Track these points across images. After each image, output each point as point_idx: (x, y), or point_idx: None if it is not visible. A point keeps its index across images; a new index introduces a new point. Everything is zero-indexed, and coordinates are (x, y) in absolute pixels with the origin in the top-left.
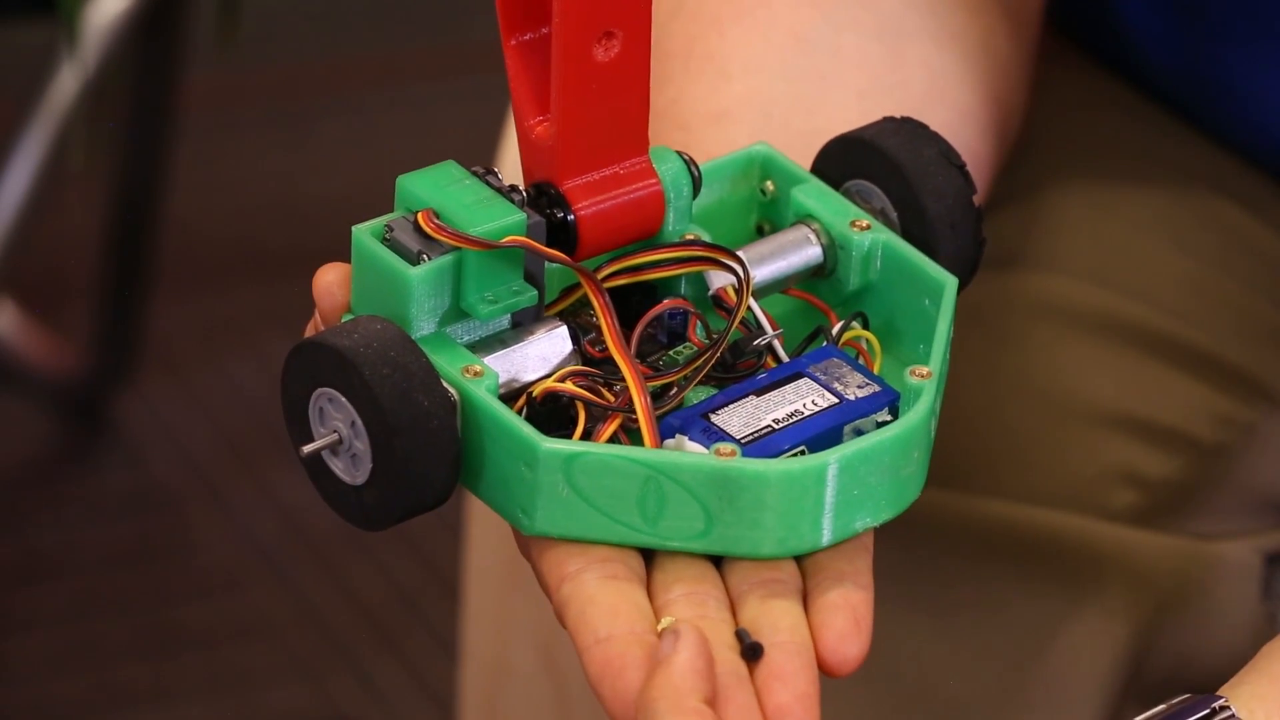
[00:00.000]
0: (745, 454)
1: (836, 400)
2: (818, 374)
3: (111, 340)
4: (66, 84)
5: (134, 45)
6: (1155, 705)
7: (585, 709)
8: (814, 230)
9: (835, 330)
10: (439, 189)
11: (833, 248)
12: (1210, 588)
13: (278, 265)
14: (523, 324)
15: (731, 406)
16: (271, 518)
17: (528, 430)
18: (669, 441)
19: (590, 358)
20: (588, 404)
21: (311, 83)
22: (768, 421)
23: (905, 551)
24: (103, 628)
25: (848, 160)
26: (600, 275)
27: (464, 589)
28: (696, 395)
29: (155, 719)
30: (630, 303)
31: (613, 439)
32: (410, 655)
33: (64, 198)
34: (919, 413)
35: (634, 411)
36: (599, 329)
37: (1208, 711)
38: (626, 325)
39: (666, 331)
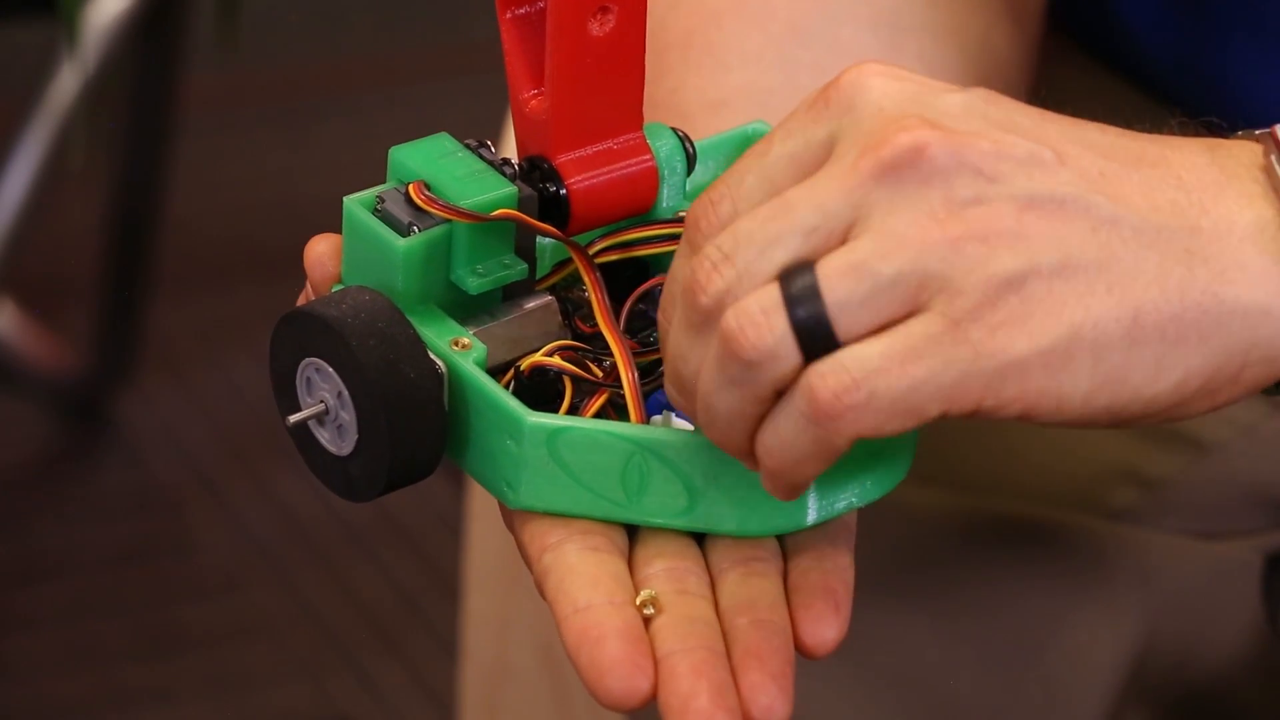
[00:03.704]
0: None
1: None
2: None
3: (111, 340)
4: (66, 84)
5: (134, 45)
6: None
7: (585, 709)
8: None
9: None
10: (431, 161)
11: None
12: (1210, 588)
13: (278, 265)
14: (513, 297)
15: None
16: (271, 518)
17: (513, 404)
18: (655, 418)
19: (579, 333)
20: (575, 379)
21: (311, 83)
22: None
23: (905, 550)
24: (103, 628)
25: None
26: (592, 250)
27: (464, 589)
28: None
29: (155, 719)
30: (621, 278)
31: (600, 414)
32: (410, 655)
33: (64, 198)
34: None
35: (621, 387)
36: (589, 304)
37: None
38: (617, 301)
39: (656, 308)
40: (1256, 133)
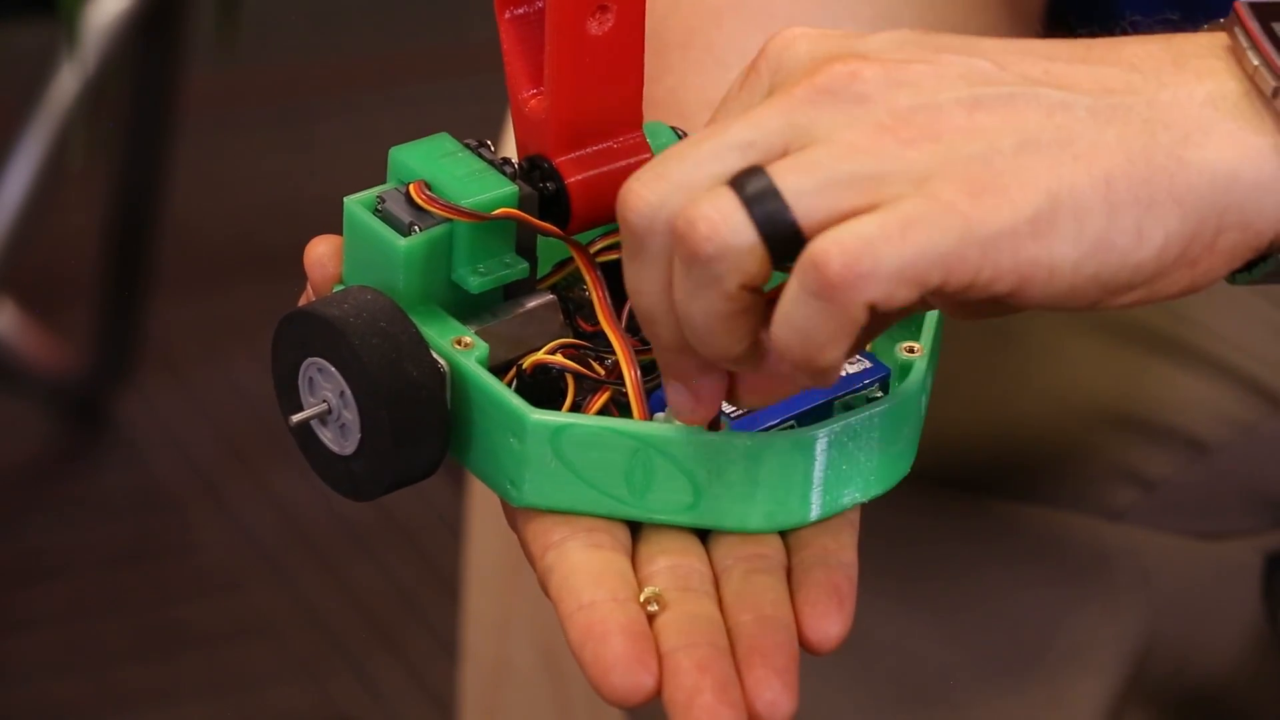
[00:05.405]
0: (734, 428)
1: None
2: None
3: (111, 340)
4: (66, 84)
5: (134, 45)
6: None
7: (585, 709)
8: None
9: None
10: (431, 161)
11: None
12: (1210, 588)
13: (278, 265)
14: (514, 296)
15: None
16: (271, 518)
17: (516, 402)
18: (658, 415)
19: (581, 331)
20: (577, 376)
21: (311, 83)
22: None
23: (906, 549)
24: (103, 628)
25: None
26: (593, 249)
27: (464, 589)
28: None
29: (155, 719)
30: (622, 277)
31: (602, 412)
32: (410, 655)
33: (64, 198)
34: (909, 389)
35: (624, 384)
36: (590, 302)
37: None
38: (618, 299)
39: None
40: (1221, 21)
